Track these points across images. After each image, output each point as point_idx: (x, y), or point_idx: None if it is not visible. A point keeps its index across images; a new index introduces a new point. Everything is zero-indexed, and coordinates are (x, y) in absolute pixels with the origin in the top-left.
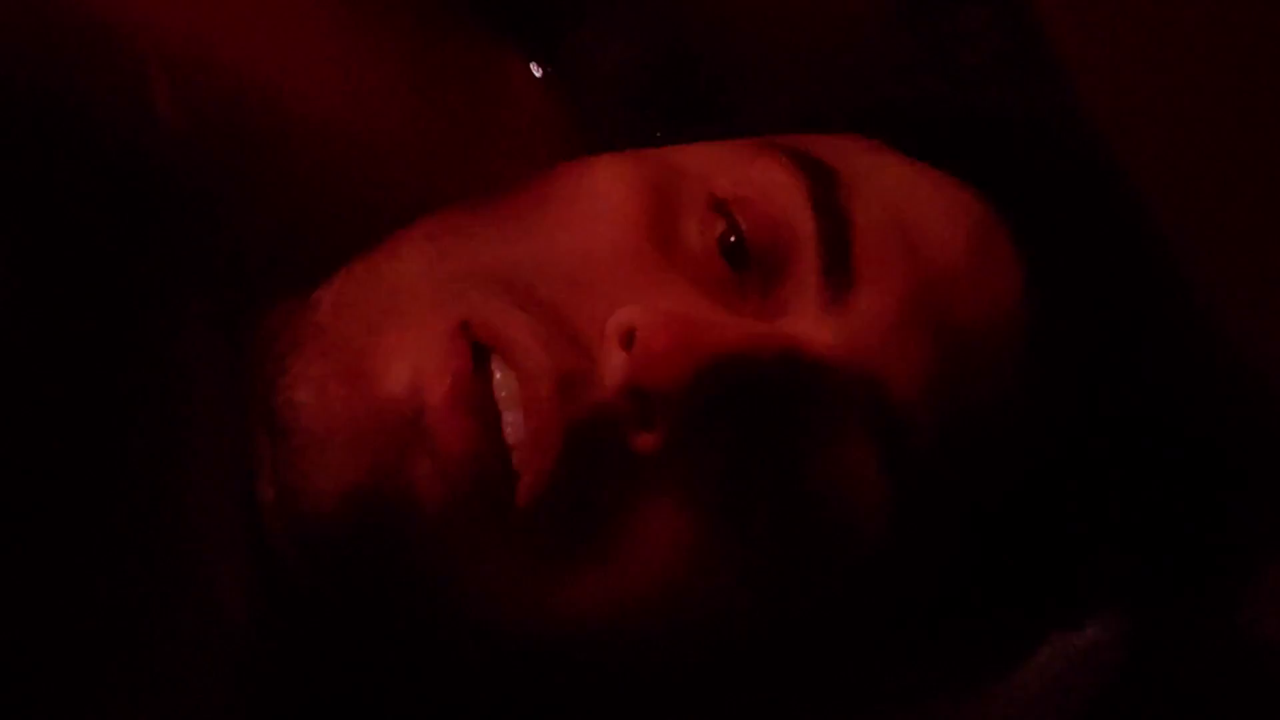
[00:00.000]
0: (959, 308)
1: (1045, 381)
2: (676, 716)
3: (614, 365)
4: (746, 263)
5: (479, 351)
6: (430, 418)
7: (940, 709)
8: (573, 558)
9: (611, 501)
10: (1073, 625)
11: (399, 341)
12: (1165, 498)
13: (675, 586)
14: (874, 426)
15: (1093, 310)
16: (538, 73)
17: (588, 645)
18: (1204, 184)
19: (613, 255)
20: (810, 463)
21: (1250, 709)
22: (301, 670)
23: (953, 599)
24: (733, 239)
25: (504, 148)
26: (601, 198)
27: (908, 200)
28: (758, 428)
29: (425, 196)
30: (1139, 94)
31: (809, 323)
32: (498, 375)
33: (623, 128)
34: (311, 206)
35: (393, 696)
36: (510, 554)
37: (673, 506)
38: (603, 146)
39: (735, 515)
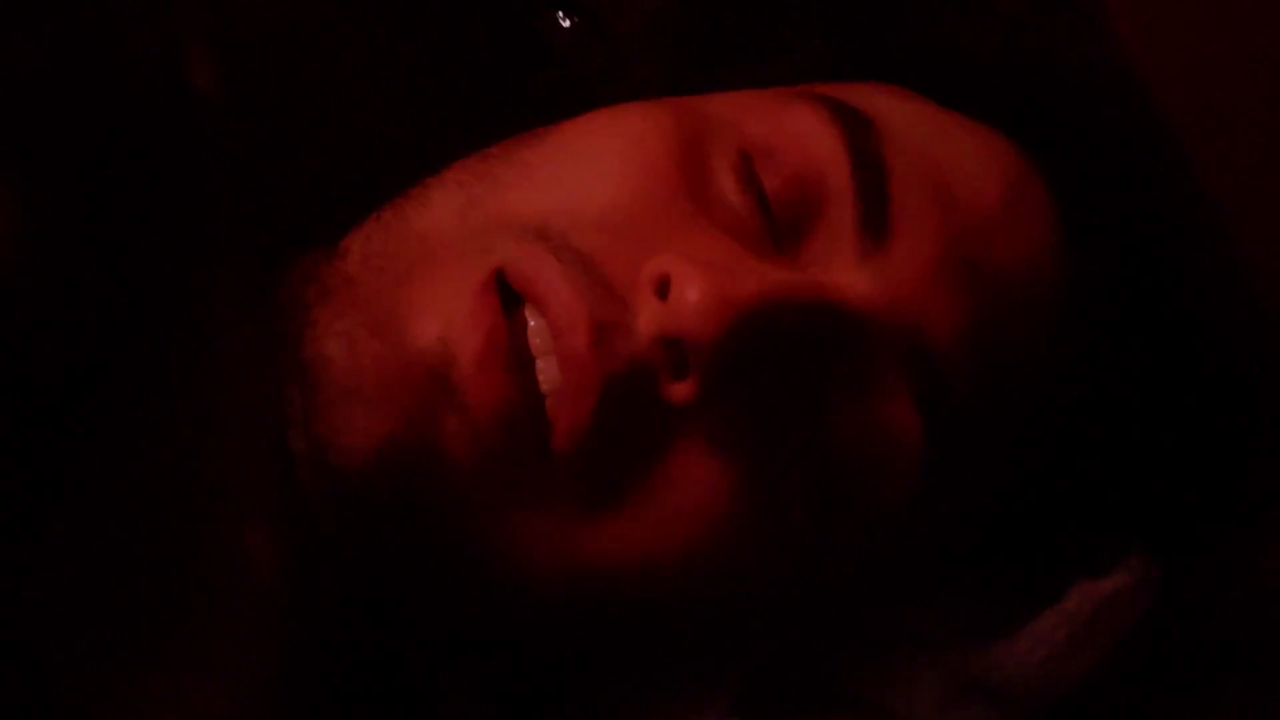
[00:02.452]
0: (994, 255)
1: (1078, 326)
2: (703, 660)
3: (649, 314)
4: (781, 211)
5: (511, 299)
6: (460, 373)
7: (966, 652)
8: (606, 505)
9: (645, 449)
10: (1098, 570)
11: (430, 293)
12: (1192, 443)
13: (708, 533)
14: (910, 375)
15: (1126, 256)
16: (565, 23)
17: (619, 593)
18: (1245, 126)
19: (646, 204)
20: (845, 410)
21: (1275, 655)
22: (332, 622)
23: (981, 543)
24: (767, 187)
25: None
26: (634, 145)
27: (942, 149)
28: (792, 376)
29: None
30: (1177, 37)
31: (845, 272)
32: (531, 323)
33: (652, 78)
34: (340, 162)
35: (424, 648)
36: (543, 503)
37: (706, 454)
38: (632, 97)
39: (769, 462)
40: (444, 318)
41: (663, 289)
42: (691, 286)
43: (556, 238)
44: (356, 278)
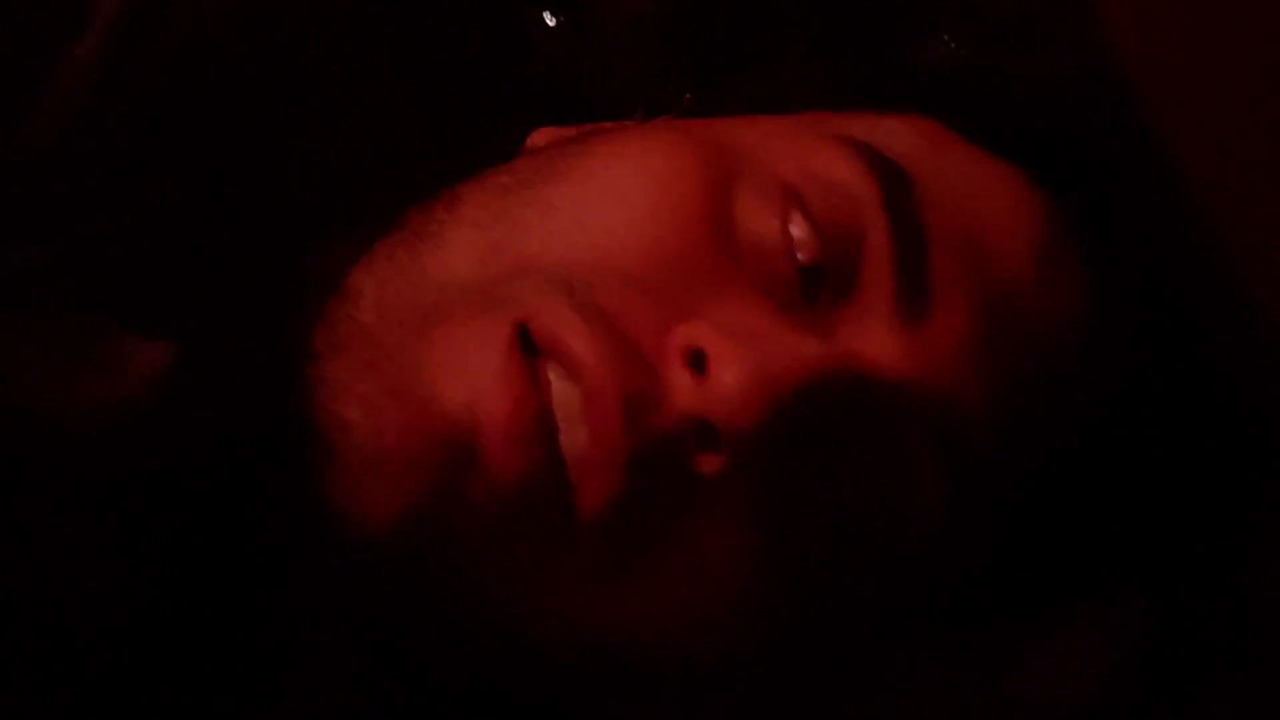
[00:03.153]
0: (1026, 319)
1: (1100, 384)
2: (716, 716)
3: (682, 391)
4: (814, 266)
5: (532, 349)
6: (485, 442)
7: (965, 687)
8: (626, 571)
9: (668, 516)
10: (1099, 603)
11: (453, 352)
12: (1195, 482)
13: (726, 599)
14: (936, 445)
15: (1150, 319)
16: (551, 22)
17: (635, 653)
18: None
19: (675, 257)
20: (867, 476)
21: (1273, 687)
22: (350, 669)
23: (984, 582)
24: (799, 240)
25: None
26: (662, 191)
27: (977, 205)
28: (819, 444)
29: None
30: (1171, 42)
31: (880, 340)
32: (555, 384)
33: (644, 82)
34: (326, 159)
35: (436, 704)
36: (563, 567)
37: (730, 522)
38: (622, 102)
39: (790, 529)
40: (469, 383)
41: (695, 360)
42: (728, 369)
43: (581, 291)
44: (374, 332)
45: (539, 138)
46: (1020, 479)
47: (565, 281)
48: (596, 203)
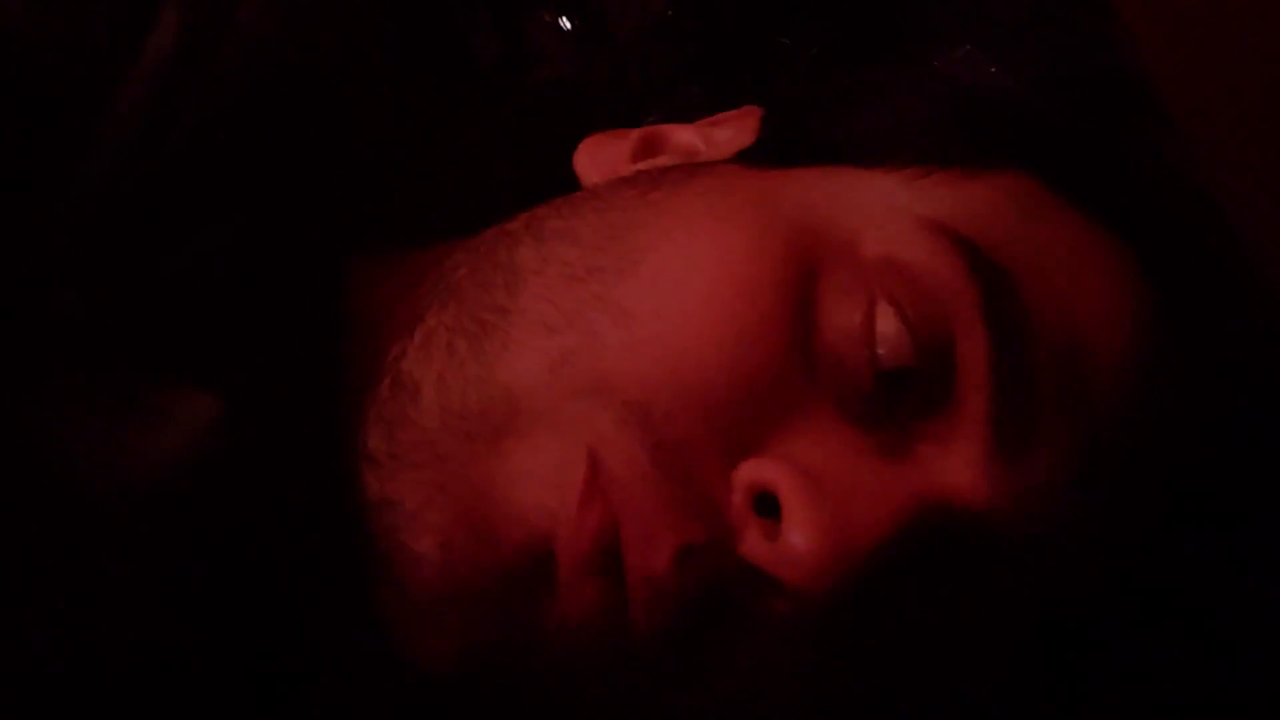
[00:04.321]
0: (1126, 433)
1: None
2: None
3: (750, 541)
4: (904, 373)
5: None
6: (561, 574)
7: None
8: (684, 683)
9: (729, 639)
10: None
11: (526, 478)
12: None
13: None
14: (1023, 578)
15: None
16: (566, 26)
17: None
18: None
19: (757, 376)
20: (944, 611)
21: None
22: None
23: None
24: (887, 337)
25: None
26: (746, 300)
27: (1080, 299)
28: (897, 589)
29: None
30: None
31: (971, 471)
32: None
33: (658, 88)
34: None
35: None
36: (625, 675)
37: (792, 652)
38: (637, 105)
39: (857, 660)
40: (548, 514)
41: (764, 503)
42: (800, 529)
43: (656, 426)
44: (439, 444)
45: (588, 158)
46: (1091, 592)
47: (642, 409)
48: (675, 314)
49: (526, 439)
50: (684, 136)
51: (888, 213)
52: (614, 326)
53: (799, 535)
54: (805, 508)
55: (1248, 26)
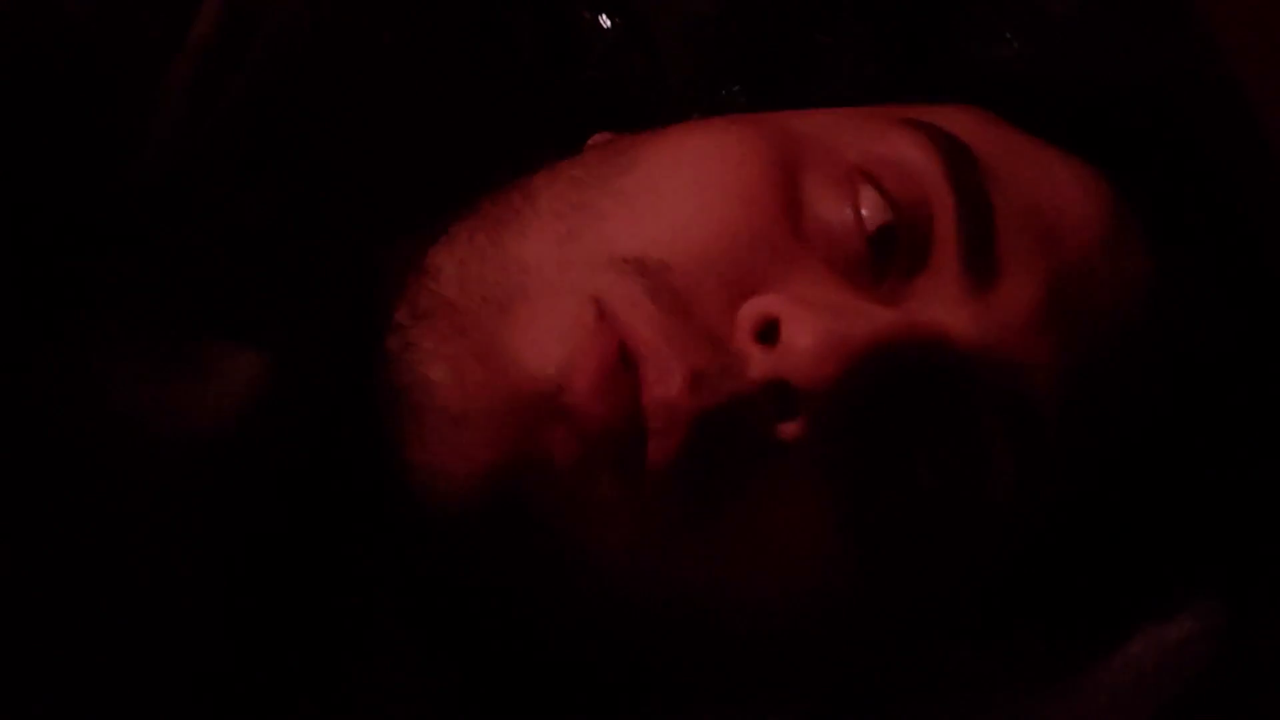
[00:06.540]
0: (1094, 298)
1: (1166, 356)
2: (761, 687)
3: (756, 359)
4: (883, 242)
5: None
6: (573, 399)
7: (1026, 696)
8: (697, 526)
9: (741, 476)
10: (1165, 617)
11: (538, 323)
12: (1265, 489)
13: (794, 561)
14: (1007, 419)
15: (1217, 299)
16: (607, 24)
17: (700, 610)
18: None
19: (746, 238)
20: (940, 451)
21: None
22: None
23: (1048, 583)
24: (868, 216)
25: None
26: (733, 175)
27: (1040, 184)
28: (894, 415)
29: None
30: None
31: (950, 311)
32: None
33: (699, 83)
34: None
35: (509, 656)
36: (638, 517)
37: (803, 486)
38: (678, 103)
39: (863, 498)
40: (559, 342)
41: (767, 332)
42: (803, 331)
43: (653, 273)
44: (458, 304)
45: (600, 139)
46: (1085, 461)
47: (639, 261)
48: (670, 187)
49: (538, 301)
50: None
51: (862, 124)
52: (614, 205)
53: (800, 335)
54: (804, 315)
55: None
